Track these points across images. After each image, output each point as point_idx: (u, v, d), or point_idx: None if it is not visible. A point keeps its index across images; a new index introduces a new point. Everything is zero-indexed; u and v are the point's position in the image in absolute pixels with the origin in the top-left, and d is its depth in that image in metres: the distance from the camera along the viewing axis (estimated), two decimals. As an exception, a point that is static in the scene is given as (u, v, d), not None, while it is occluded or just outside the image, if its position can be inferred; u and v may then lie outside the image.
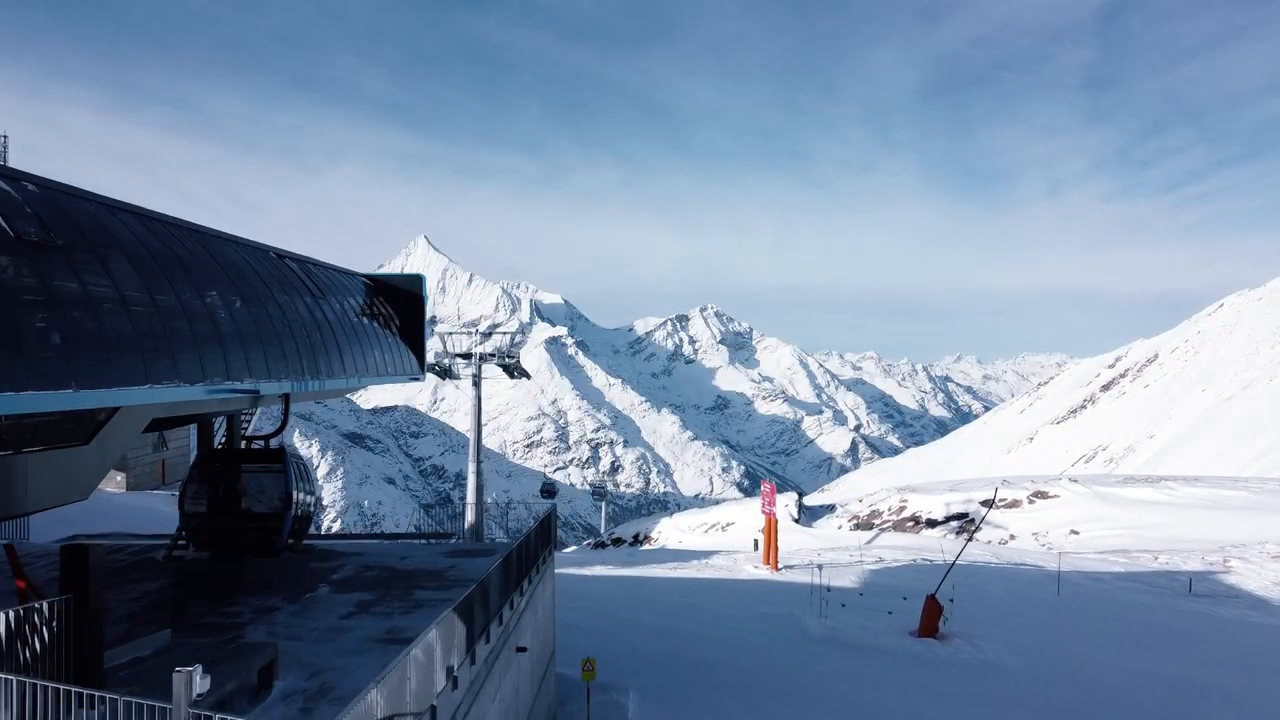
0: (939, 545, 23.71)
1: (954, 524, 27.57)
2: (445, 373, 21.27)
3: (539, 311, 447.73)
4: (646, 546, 31.90)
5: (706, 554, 20.16)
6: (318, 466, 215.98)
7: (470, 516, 20.61)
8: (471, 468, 20.75)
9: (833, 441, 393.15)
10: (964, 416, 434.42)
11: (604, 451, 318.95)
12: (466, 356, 21.09)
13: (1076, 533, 25.14)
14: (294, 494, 12.44)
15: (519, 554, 12.22)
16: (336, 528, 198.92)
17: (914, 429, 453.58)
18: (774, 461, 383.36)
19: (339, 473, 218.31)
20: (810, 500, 36.13)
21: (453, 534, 16.68)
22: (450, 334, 21.46)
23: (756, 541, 26.02)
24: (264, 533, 12.29)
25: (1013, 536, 26.15)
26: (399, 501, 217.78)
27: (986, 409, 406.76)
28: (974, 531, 27.31)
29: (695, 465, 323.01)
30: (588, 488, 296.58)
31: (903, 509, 29.08)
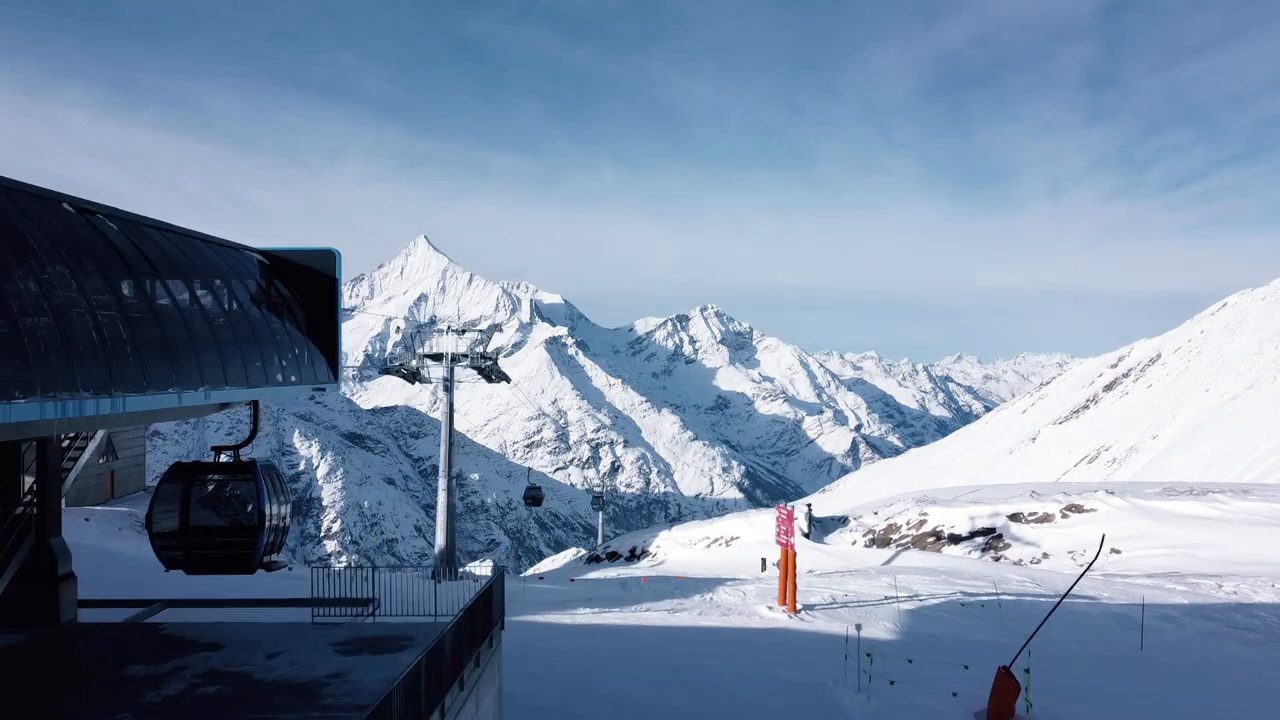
0: (970, 568, 21.35)
1: (979, 540, 25.22)
2: (414, 376, 18.79)
3: (539, 312, 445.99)
4: (644, 562, 29.47)
5: (710, 584, 17.11)
6: (317, 466, 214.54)
7: (440, 539, 18.28)
8: (442, 484, 18.39)
9: (833, 441, 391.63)
10: (965, 416, 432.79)
11: (604, 452, 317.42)
12: (437, 358, 18.54)
13: (1118, 551, 22.81)
14: (266, 508, 11.60)
15: (441, 653, 8.87)
16: (336, 528, 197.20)
17: (914, 429, 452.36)
18: (774, 461, 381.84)
19: (339, 473, 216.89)
20: (819, 510, 33.74)
21: (370, 603, 12.34)
22: (419, 332, 18.80)
23: (764, 561, 23.59)
24: (236, 550, 11.66)
25: (1045, 555, 23.84)
26: (399, 502, 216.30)
27: (987, 409, 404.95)
28: (1002, 550, 25.03)
29: (696, 465, 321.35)
30: (587, 488, 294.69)
31: (922, 523, 26.73)
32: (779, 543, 12.92)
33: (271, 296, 10.71)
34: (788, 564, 12.81)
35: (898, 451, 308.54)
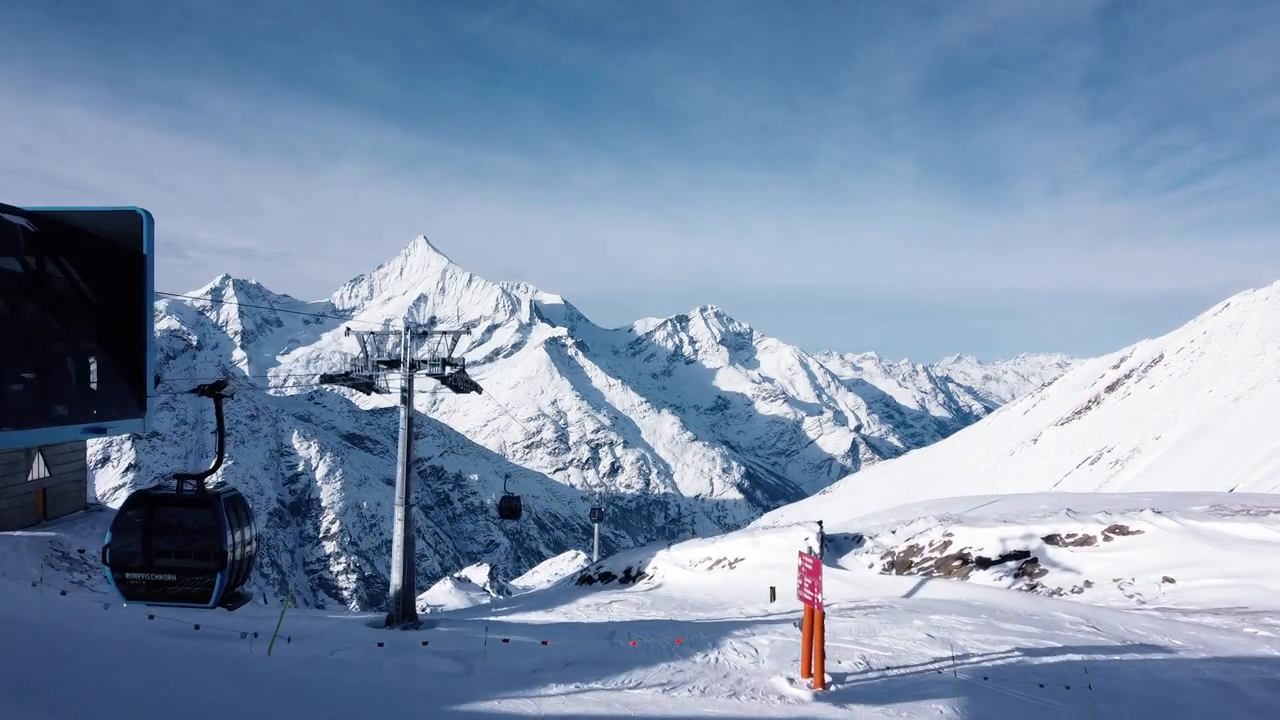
0: (1009, 602, 18.74)
1: (1011, 565, 22.71)
2: (367, 386, 16.14)
3: (539, 312, 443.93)
4: (640, 585, 26.85)
5: (713, 633, 13.67)
6: (316, 467, 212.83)
7: (396, 578, 15.62)
8: (398, 513, 15.69)
9: (833, 442, 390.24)
10: (965, 417, 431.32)
11: (604, 452, 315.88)
12: (394, 365, 15.87)
13: (1171, 581, 20.31)
14: (228, 541, 11.05)
15: None
16: (335, 529, 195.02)
17: (914, 429, 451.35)
18: (774, 462, 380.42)
19: (338, 474, 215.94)
20: (829, 522, 31.15)
21: None
22: (370, 334, 15.97)
23: (773, 591, 20.95)
24: (197, 585, 11.12)
25: (1088, 583, 21.35)
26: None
27: (987, 409, 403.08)
28: (1038, 577, 22.48)
29: (695, 466, 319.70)
30: (585, 495, 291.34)
31: (946, 544, 24.22)
32: (802, 598, 10.14)
33: (40, 281, 5.83)
34: (813, 626, 9.92)
35: (898, 452, 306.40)
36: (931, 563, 24.60)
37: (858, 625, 15.13)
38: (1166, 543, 22.27)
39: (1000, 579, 23.37)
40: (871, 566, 26.31)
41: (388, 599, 15.24)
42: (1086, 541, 23.45)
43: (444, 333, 15.89)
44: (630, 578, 28.68)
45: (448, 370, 15.65)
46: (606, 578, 29.55)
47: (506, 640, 10.47)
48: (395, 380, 15.53)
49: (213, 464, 13.84)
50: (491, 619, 17.08)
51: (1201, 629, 16.60)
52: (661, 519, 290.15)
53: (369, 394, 16.03)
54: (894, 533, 27.67)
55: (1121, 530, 23.47)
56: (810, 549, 27.11)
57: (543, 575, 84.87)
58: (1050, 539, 23.65)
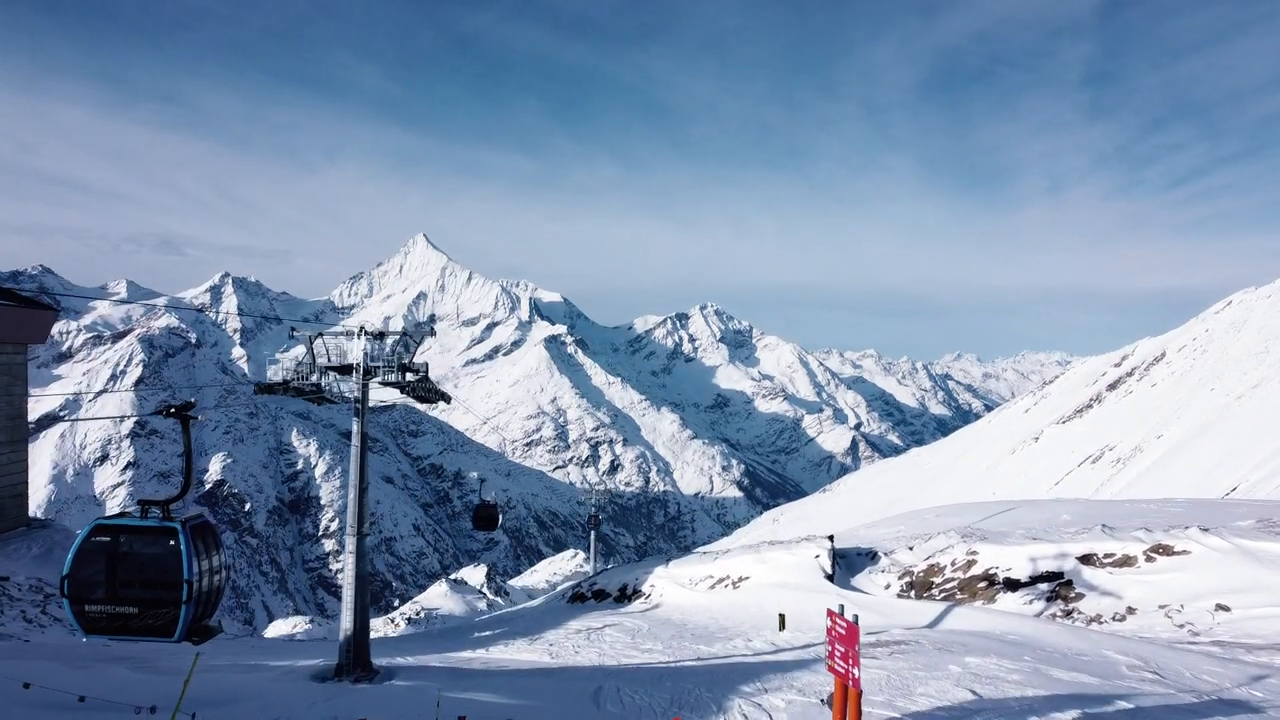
0: (1052, 638, 16.58)
1: (1043, 588, 20.65)
2: (315, 394, 13.92)
3: (538, 310, 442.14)
4: (637, 604, 24.78)
5: (718, 695, 11.70)
6: (315, 465, 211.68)
7: (346, 621, 13.25)
8: (350, 544, 13.34)
9: (833, 440, 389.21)
10: (964, 415, 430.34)
11: (603, 450, 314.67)
12: (345, 370, 13.72)
13: (1226, 609, 18.27)
14: (192, 572, 10.77)
15: None
16: (335, 527, 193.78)
17: (914, 427, 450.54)
18: (774, 460, 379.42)
19: (336, 471, 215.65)
20: (841, 539, 29.07)
21: None
22: (320, 335, 13.00)
23: (783, 619, 18.90)
24: (160, 618, 10.88)
25: (1130, 610, 19.29)
26: (398, 500, 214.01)
27: (987, 407, 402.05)
28: (1073, 602, 20.38)
29: (695, 464, 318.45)
30: (586, 486, 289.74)
31: (970, 563, 22.15)
32: (833, 671, 7.99)
33: None
34: (846, 707, 7.78)
35: (897, 450, 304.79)
36: (954, 584, 22.49)
37: (887, 675, 12.98)
38: (1216, 564, 20.19)
39: (1030, 602, 21.22)
40: (888, 587, 24.23)
41: (339, 644, 12.97)
42: (1127, 562, 21.32)
43: (403, 334, 13.71)
44: (626, 596, 26.57)
45: (408, 377, 13.47)
46: (600, 596, 27.42)
47: (463, 719, 8.32)
48: (351, 387, 13.38)
49: (179, 490, 12.50)
50: (461, 664, 14.85)
51: (1274, 669, 14.55)
52: (661, 517, 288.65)
53: (318, 403, 13.92)
54: (911, 549, 25.56)
55: (1166, 550, 21.36)
56: (823, 568, 24.98)
57: (541, 575, 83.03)
58: (1086, 559, 21.47)
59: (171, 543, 10.91)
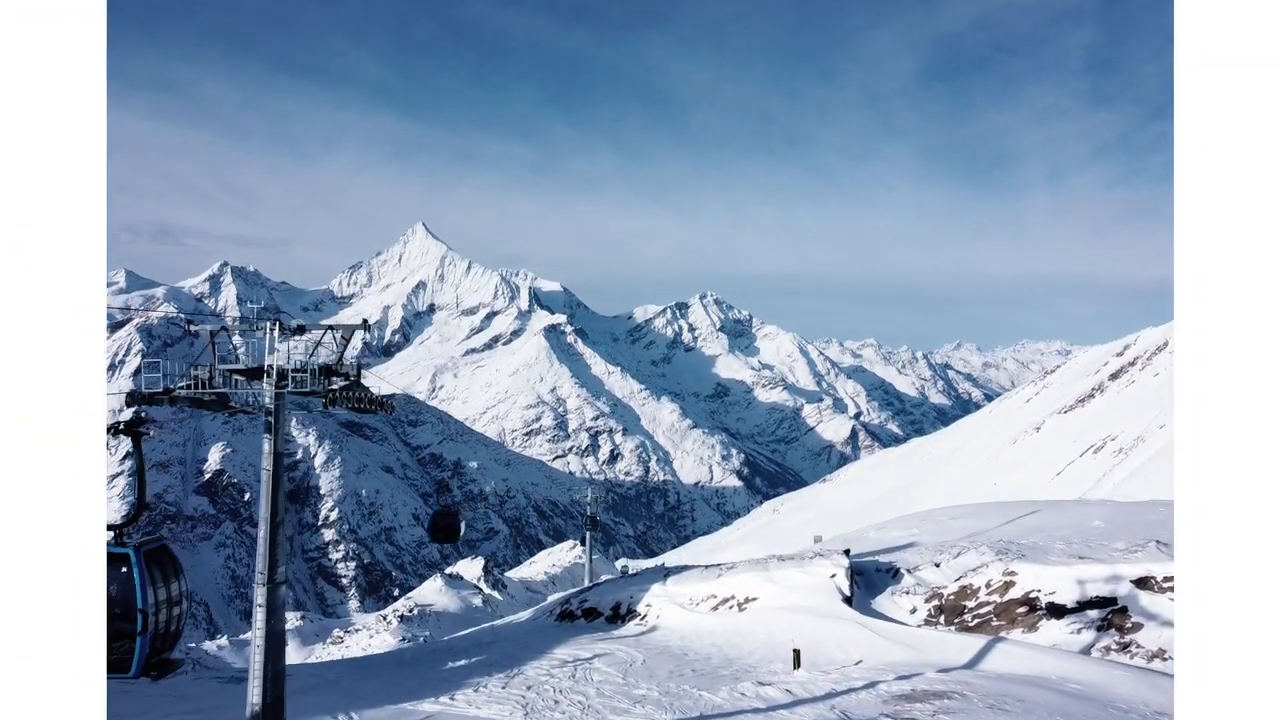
0: (1131, 690, 15.00)
1: (1092, 615, 20.16)
2: (219, 402, 11.36)
3: (538, 299, 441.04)
4: (631, 625, 24.45)
5: None
6: (314, 455, 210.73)
7: (255, 695, 10.39)
8: (258, 596, 10.66)
9: (833, 429, 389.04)
10: (964, 404, 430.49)
11: (603, 440, 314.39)
12: (257, 375, 11.01)
13: None
14: (146, 600, 10.04)
15: None
16: (334, 517, 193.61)
17: (914, 416, 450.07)
18: (774, 449, 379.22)
19: (336, 461, 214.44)
20: (853, 542, 28.99)
21: None
22: (220, 329, 11.09)
23: (797, 655, 18.27)
24: (115, 653, 10.08)
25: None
26: (397, 490, 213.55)
27: (987, 397, 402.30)
28: (1130, 633, 20.14)
29: (695, 453, 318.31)
30: (586, 475, 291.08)
31: (1008, 585, 22.04)
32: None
33: None
34: None
35: (897, 439, 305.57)
36: (990, 609, 22.00)
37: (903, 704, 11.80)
38: None
39: (1079, 631, 20.03)
40: (914, 611, 23.64)
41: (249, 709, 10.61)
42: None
43: (331, 328, 11.27)
44: (619, 616, 24.96)
45: (335, 382, 11.14)
46: (591, 615, 25.92)
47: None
48: (266, 394, 11.12)
49: (132, 512, 11.59)
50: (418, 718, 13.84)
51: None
52: (661, 506, 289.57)
53: (229, 414, 11.67)
54: (938, 566, 24.77)
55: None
56: (840, 590, 24.43)
57: (540, 566, 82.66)
58: (1142, 582, 19.80)
59: (124, 570, 10.05)
